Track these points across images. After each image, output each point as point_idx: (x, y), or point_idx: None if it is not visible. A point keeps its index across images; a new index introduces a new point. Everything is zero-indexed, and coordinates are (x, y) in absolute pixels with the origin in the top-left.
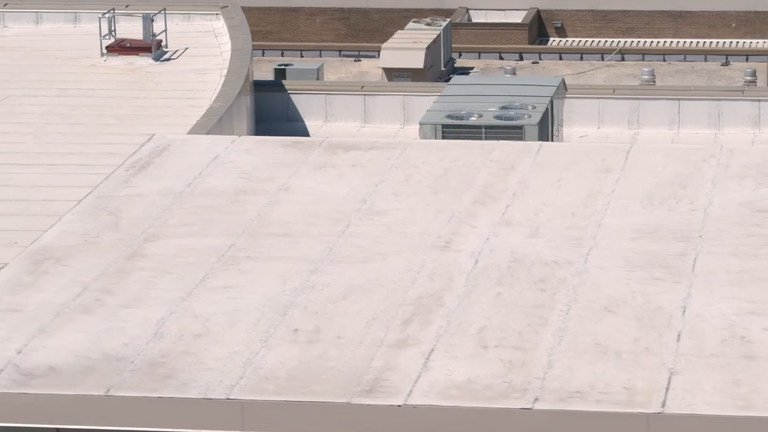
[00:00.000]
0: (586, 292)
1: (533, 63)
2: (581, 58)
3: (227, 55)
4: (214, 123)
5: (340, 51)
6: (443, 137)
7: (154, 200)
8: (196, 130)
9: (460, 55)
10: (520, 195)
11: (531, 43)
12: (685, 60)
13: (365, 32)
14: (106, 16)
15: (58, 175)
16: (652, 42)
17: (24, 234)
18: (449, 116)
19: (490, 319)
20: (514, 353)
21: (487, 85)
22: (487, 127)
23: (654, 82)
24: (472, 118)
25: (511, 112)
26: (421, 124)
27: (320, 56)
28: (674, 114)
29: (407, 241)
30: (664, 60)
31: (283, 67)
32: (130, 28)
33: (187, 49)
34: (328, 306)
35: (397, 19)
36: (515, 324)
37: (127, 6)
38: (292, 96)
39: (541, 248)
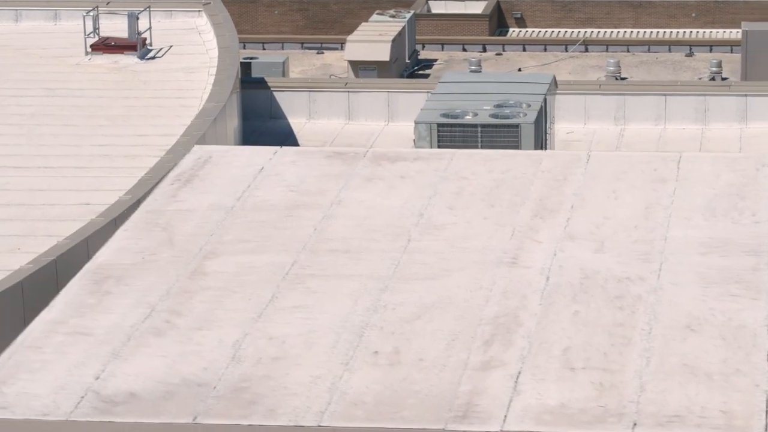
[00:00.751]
0: (665, 310)
1: (497, 54)
2: (545, 50)
3: (213, 53)
4: (210, 123)
5: (302, 43)
6: (438, 137)
7: (206, 215)
8: (191, 130)
9: (423, 47)
10: (578, 207)
11: (491, 33)
12: (649, 51)
13: (324, 24)
14: (91, 14)
15: (55, 178)
16: (613, 32)
17: (26, 240)
18: (444, 115)
19: (572, 339)
20: (603, 375)
21: (479, 83)
22: (483, 126)
23: (620, 73)
24: (467, 117)
25: (507, 111)
26: (416, 123)
27: (282, 48)
28: (660, 109)
29: (471, 257)
30: (628, 51)
31: (248, 60)
32: (111, 26)
33: (171, 47)
34: (403, 326)
35: (356, 10)
36: (598, 344)
37: (108, 3)
38: (275, 93)
39: (610, 264)
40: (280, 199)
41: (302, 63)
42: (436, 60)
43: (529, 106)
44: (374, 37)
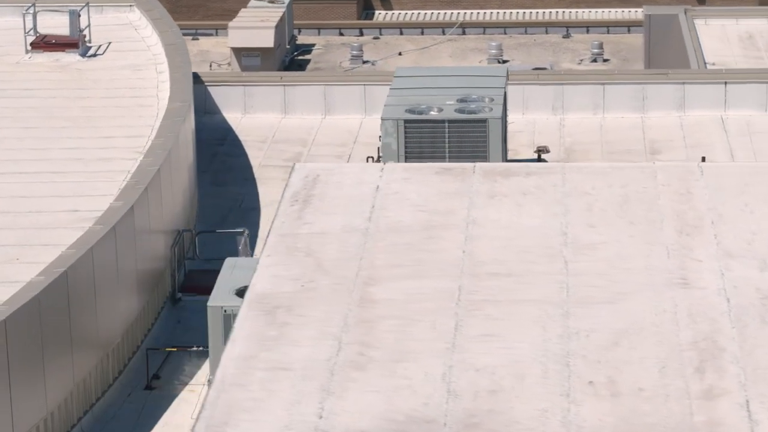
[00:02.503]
0: None
1: (374, 39)
2: (422, 33)
3: (155, 49)
4: (180, 124)
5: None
6: (405, 133)
7: (343, 238)
8: (163, 132)
9: (299, 31)
10: (719, 223)
11: (359, 16)
12: (526, 33)
13: (188, 9)
14: (29, 11)
15: (33, 184)
16: (491, 14)
17: (22, 249)
18: (409, 111)
19: None
20: None
21: (436, 76)
22: (450, 121)
23: (502, 56)
24: (432, 113)
25: (472, 105)
26: (382, 119)
27: None
28: (599, 98)
29: (639, 279)
30: (505, 33)
31: None
32: (45, 22)
33: (110, 43)
34: (605, 354)
35: None
36: None
37: None
38: (209, 88)
39: None
40: (412, 220)
41: None
42: (314, 45)
43: (492, 99)
44: (257, 23)
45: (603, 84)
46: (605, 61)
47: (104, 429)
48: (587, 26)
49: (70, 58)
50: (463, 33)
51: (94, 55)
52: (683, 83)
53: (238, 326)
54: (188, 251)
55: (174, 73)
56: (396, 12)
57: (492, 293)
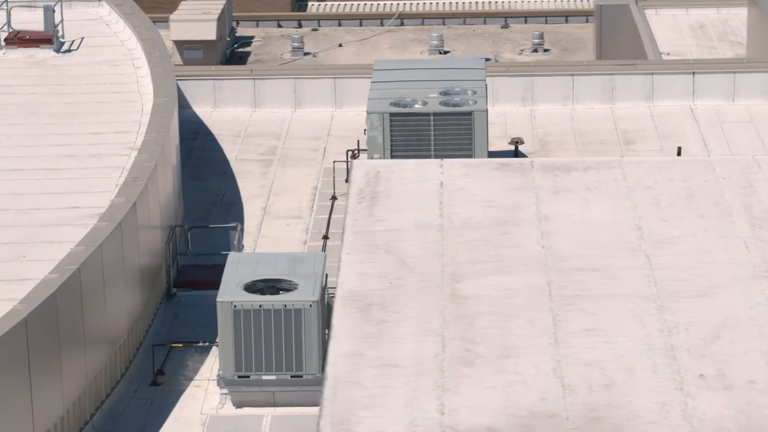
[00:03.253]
0: None
1: (313, 30)
2: (360, 24)
3: (129, 44)
4: (170, 119)
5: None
6: (391, 126)
7: (420, 235)
8: (154, 127)
9: (237, 23)
10: None
11: (293, 8)
12: (464, 23)
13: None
14: (3, 7)
15: (29, 181)
16: (423, 4)
17: (28, 247)
18: (394, 104)
19: None
20: None
21: (415, 69)
22: (436, 114)
23: (443, 47)
24: (417, 106)
25: (456, 98)
26: (368, 113)
27: None
28: (568, 90)
29: (725, 272)
30: (444, 23)
31: None
32: (18, 18)
33: (83, 39)
34: (709, 347)
35: None
36: None
37: None
38: (177, 82)
39: None
40: (483, 216)
41: None
42: (253, 37)
43: (475, 92)
44: (198, 16)
45: (572, 75)
46: (546, 51)
47: (114, 425)
48: (525, 16)
49: (45, 53)
50: (402, 24)
51: (69, 51)
52: (652, 74)
53: (337, 323)
54: (180, 246)
55: (155, 68)
56: (331, 3)
57: (582, 288)
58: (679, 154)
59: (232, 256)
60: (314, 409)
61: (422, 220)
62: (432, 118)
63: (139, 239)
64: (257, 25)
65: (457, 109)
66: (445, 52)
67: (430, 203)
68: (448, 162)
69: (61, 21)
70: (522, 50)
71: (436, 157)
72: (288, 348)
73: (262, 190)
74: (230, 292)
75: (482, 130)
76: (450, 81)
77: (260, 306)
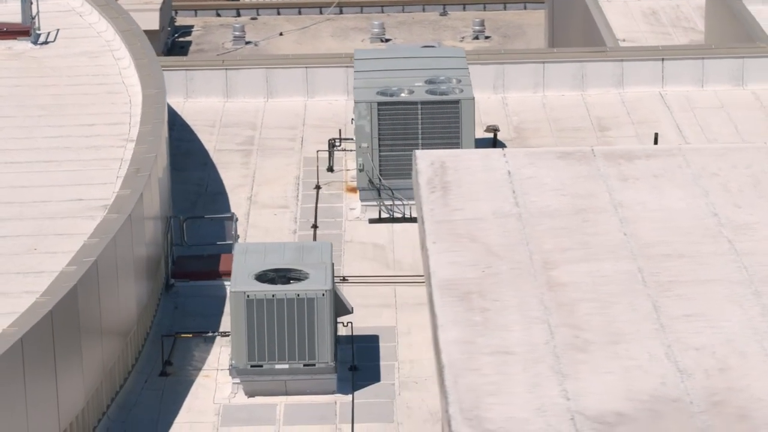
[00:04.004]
0: None
1: (252, 19)
2: (299, 12)
3: (107, 36)
4: (162, 110)
5: None
6: (379, 115)
7: (499, 223)
8: (149, 119)
9: (176, 13)
10: None
11: None
12: (403, 11)
13: None
14: None
15: (29, 173)
16: None
17: (37, 239)
18: (381, 93)
19: None
20: None
21: (396, 59)
22: (423, 103)
23: (384, 35)
24: (403, 95)
25: (443, 87)
26: (356, 102)
27: None
28: (539, 77)
29: None
30: (383, 11)
31: None
32: None
33: (59, 31)
34: None
35: None
36: None
37: None
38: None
39: None
40: (558, 204)
41: None
42: (192, 26)
43: (460, 81)
44: (141, 5)
45: (543, 63)
46: (487, 38)
47: (128, 416)
48: (464, 3)
49: (23, 45)
50: (341, 12)
51: (46, 43)
52: (621, 60)
53: (440, 312)
54: (174, 237)
55: (139, 59)
56: None
57: (674, 274)
58: (656, 140)
59: (239, 246)
60: (326, 397)
61: (499, 209)
62: (420, 106)
63: (144, 230)
64: (196, 14)
65: (445, 97)
66: (387, 40)
67: (503, 192)
68: (510, 151)
69: (38, 13)
70: (463, 37)
71: (423, 146)
72: (301, 337)
73: (245, 180)
74: (243, 282)
75: (469, 118)
76: (433, 70)
77: (273, 295)
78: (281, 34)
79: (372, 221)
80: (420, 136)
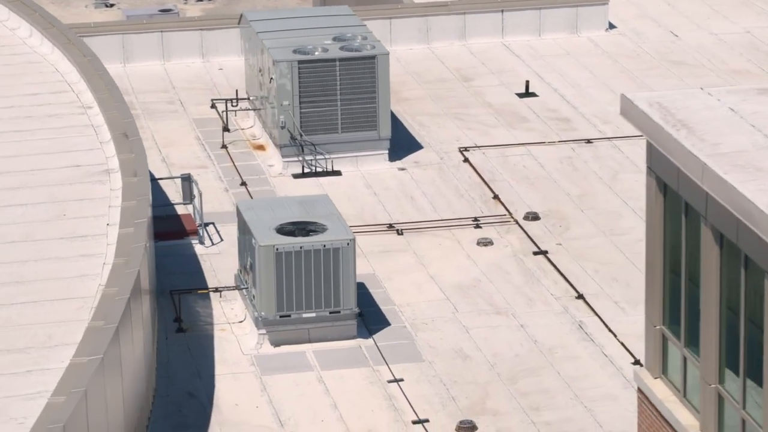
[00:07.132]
0: None
1: None
2: None
3: (30, 42)
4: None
5: None
6: (299, 74)
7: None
8: (120, 116)
9: None
10: None
11: None
12: None
13: None
14: None
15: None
16: None
17: (60, 205)
18: (297, 52)
19: None
20: None
21: (287, 18)
22: (341, 59)
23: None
24: (317, 53)
25: (355, 44)
26: (275, 62)
27: None
28: (386, 33)
29: None
30: None
31: None
32: None
33: None
34: None
35: None
36: None
37: None
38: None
39: None
40: None
41: None
42: None
43: (365, 37)
44: None
45: (390, 18)
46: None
47: (168, 371)
48: None
49: None
50: None
51: None
52: (464, 14)
53: None
54: None
55: (84, 66)
56: None
57: None
58: (527, 88)
59: (243, 203)
60: (350, 342)
61: (757, 141)
62: (338, 63)
63: None
64: None
65: (361, 53)
66: (111, 5)
67: (743, 126)
68: (714, 90)
69: None
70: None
71: (342, 101)
72: (327, 286)
73: (150, 143)
74: (268, 236)
75: (385, 73)
76: (336, 28)
77: (301, 247)
78: None
79: (296, 176)
80: (339, 92)
